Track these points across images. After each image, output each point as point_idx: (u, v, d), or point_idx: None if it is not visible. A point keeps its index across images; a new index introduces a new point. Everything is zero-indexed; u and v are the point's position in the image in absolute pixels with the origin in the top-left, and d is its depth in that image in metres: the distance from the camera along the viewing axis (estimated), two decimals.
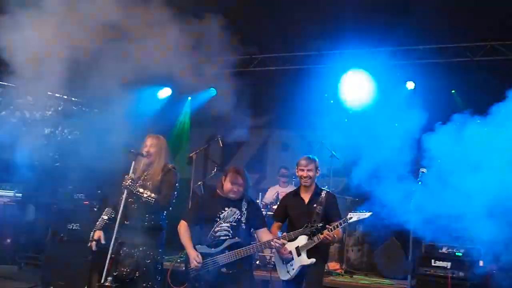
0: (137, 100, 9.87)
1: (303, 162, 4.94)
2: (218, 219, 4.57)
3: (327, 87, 8.77)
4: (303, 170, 4.92)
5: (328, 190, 5.07)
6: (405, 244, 7.16)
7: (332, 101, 8.30)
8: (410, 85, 8.47)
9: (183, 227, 4.64)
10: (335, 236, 4.61)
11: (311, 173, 4.89)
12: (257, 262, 7.18)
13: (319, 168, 5.00)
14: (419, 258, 5.82)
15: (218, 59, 9.03)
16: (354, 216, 4.57)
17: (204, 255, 4.49)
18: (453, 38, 7.97)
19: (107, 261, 4.35)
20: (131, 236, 4.52)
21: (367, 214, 4.55)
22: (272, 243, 4.48)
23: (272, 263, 6.63)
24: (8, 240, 10.57)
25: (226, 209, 4.60)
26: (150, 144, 4.68)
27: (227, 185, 4.63)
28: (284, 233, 4.64)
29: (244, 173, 4.68)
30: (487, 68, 7.85)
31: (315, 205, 4.83)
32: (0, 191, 13.62)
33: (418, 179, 4.08)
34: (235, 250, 4.45)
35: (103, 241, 4.50)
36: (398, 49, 8.28)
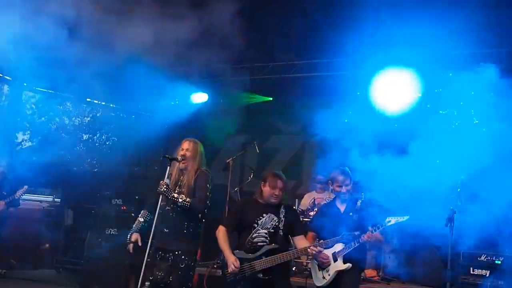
0: (173, 105, 10.08)
1: (340, 178, 4.88)
2: (256, 225, 4.59)
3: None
4: (341, 186, 4.88)
5: (363, 198, 5.02)
6: (443, 252, 7.05)
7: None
8: None
9: (221, 233, 4.68)
10: (376, 238, 4.56)
11: (348, 187, 4.88)
12: (294, 269, 7.17)
13: (352, 179, 4.97)
14: (458, 266, 5.71)
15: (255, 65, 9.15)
16: (392, 220, 4.53)
17: (241, 260, 4.51)
18: None
19: (143, 266, 4.41)
20: (166, 241, 4.57)
21: (405, 218, 4.50)
22: (309, 250, 4.48)
23: (308, 269, 6.62)
24: (47, 245, 10.84)
25: (264, 215, 4.62)
26: (186, 148, 4.70)
27: (267, 190, 4.64)
28: (321, 240, 4.63)
29: (283, 177, 4.69)
30: None
31: (351, 213, 4.81)
32: (40, 196, 14.03)
33: (457, 187, 4.01)
34: (272, 256, 4.46)
35: (140, 243, 4.56)
36: None
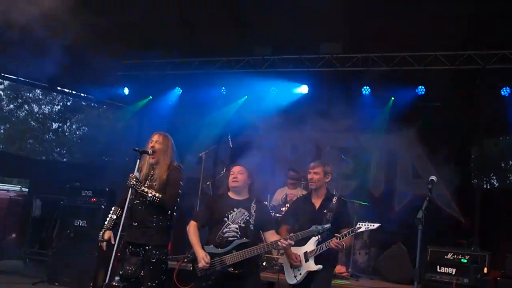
0: (148, 99, 9.99)
1: (311, 164, 4.95)
2: (227, 220, 4.58)
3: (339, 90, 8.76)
4: (310, 172, 4.93)
5: (339, 196, 5.04)
6: (412, 250, 7.18)
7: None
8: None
9: (192, 228, 4.66)
10: (344, 244, 4.61)
11: (316, 176, 4.88)
12: (264, 264, 7.19)
13: (330, 173, 4.98)
14: (425, 264, 5.83)
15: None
16: (362, 226, 4.56)
17: (211, 255, 4.50)
18: None
19: (112, 260, 4.35)
20: (136, 236, 4.52)
21: (376, 226, 4.54)
22: (279, 243, 4.47)
23: (280, 265, 6.65)
24: (14, 235, 10.63)
25: (235, 209, 4.61)
26: (156, 140, 4.63)
27: (229, 178, 4.67)
28: (292, 234, 4.65)
29: (242, 164, 4.71)
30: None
31: (325, 211, 4.82)
32: (7, 186, 13.75)
33: (428, 186, 4.06)
34: (243, 250, 4.45)
35: (113, 241, 4.50)
36: None
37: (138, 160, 4.50)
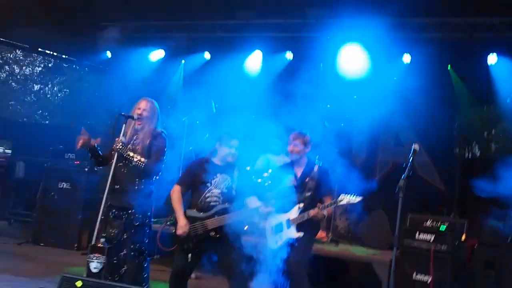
0: (129, 61, 9.84)
1: (290, 136, 4.98)
2: (210, 185, 4.62)
3: (322, 57, 8.70)
4: (290, 144, 4.95)
5: (321, 164, 5.08)
6: (392, 216, 7.31)
7: (328, 105, 8.20)
8: (406, 58, 8.42)
9: (176, 192, 4.69)
10: (325, 214, 4.67)
11: (296, 148, 4.92)
12: (245, 228, 7.27)
13: (310, 143, 5.01)
14: (404, 231, 5.95)
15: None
16: (344, 200, 4.61)
17: (193, 219, 4.56)
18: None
19: (98, 223, 4.39)
20: (119, 199, 4.55)
21: (358, 199, 4.61)
22: (260, 210, 4.54)
23: (261, 229, 6.73)
24: None
25: (218, 175, 4.65)
26: (143, 107, 4.64)
27: (223, 149, 4.66)
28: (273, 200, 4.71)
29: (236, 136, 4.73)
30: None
31: (307, 180, 4.88)
32: None
33: (410, 155, 4.12)
34: (224, 215, 4.51)
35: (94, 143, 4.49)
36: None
37: (124, 125, 4.50)
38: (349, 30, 8.07)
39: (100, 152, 4.65)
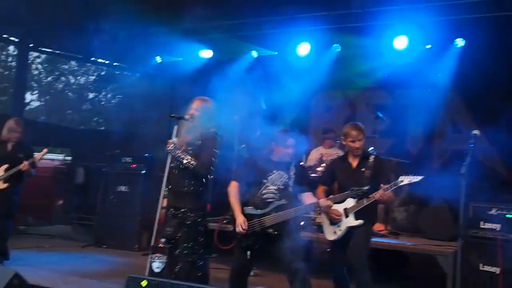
0: (179, 64, 10.00)
1: (353, 133, 4.83)
2: (266, 181, 4.60)
3: (371, 47, 8.53)
4: (354, 141, 4.84)
5: (376, 154, 5.00)
6: (453, 206, 7.07)
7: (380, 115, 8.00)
8: (460, 42, 8.13)
9: (233, 189, 4.69)
10: (388, 197, 4.57)
11: (361, 143, 4.85)
12: (302, 223, 7.22)
13: (365, 134, 4.94)
14: (468, 220, 5.72)
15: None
16: (405, 180, 4.52)
17: (251, 216, 4.55)
18: None
19: (156, 223, 4.47)
20: (174, 199, 4.61)
21: (419, 178, 4.48)
22: (319, 203, 4.49)
23: (318, 224, 6.68)
24: (60, 202, 11.06)
25: (274, 171, 4.63)
26: (195, 107, 4.66)
27: (280, 149, 4.63)
28: (331, 196, 4.65)
29: (293, 135, 4.68)
30: None
31: (363, 169, 4.80)
32: (51, 155, 14.15)
33: (471, 142, 3.96)
34: (282, 212, 4.48)
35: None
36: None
37: (176, 126, 4.54)
38: (397, 18, 7.87)
39: None
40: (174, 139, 4.52)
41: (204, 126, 4.62)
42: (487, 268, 5.37)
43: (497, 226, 5.47)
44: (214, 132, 4.65)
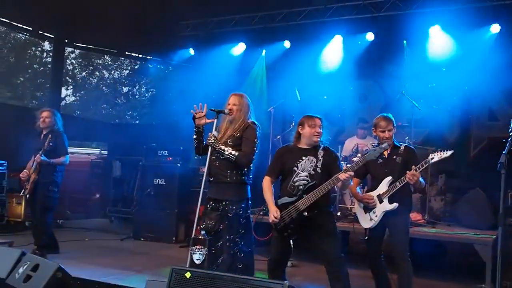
0: (211, 57, 10.08)
1: (383, 124, 4.86)
2: (297, 169, 4.63)
3: (405, 36, 8.45)
4: (383, 131, 4.85)
5: (406, 144, 5.00)
6: (489, 194, 6.98)
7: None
8: (495, 28, 7.96)
9: (266, 183, 4.73)
10: (417, 180, 4.54)
11: (391, 133, 4.86)
12: (338, 214, 7.25)
13: (395, 124, 4.94)
14: (507, 209, 5.66)
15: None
16: (435, 157, 4.50)
17: (285, 205, 4.57)
18: None
19: (197, 215, 4.54)
20: (213, 191, 4.68)
21: (449, 153, 4.45)
22: (339, 176, 4.44)
23: (353, 214, 6.69)
24: (97, 195, 11.30)
25: (304, 158, 4.64)
26: (232, 102, 4.73)
27: (307, 131, 4.63)
28: (347, 165, 4.65)
29: (318, 116, 4.69)
30: None
31: (394, 157, 4.82)
32: (87, 149, 14.48)
33: (510, 129, 3.91)
34: (312, 192, 4.49)
35: None
36: None
37: (215, 120, 4.61)
38: (430, 5, 7.76)
39: (203, 138, 4.78)
40: (214, 132, 4.60)
41: (242, 118, 4.68)
42: None
43: None
44: (253, 123, 4.71)
